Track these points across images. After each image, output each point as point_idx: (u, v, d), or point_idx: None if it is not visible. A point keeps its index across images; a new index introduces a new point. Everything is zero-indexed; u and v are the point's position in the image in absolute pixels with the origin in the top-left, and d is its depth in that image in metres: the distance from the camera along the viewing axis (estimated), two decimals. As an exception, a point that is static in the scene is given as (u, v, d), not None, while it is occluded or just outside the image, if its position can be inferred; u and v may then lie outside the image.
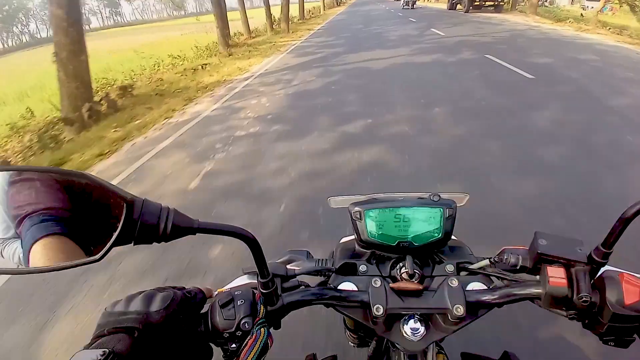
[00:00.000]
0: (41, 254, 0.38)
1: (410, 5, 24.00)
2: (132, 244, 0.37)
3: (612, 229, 0.41)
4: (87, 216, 0.41)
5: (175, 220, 0.38)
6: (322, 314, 1.54)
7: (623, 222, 0.40)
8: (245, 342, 0.43)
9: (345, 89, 5.68)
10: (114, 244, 0.35)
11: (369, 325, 0.50)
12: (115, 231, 0.35)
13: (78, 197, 0.40)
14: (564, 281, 0.42)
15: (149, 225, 0.37)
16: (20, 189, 0.40)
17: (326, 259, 0.58)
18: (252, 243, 0.43)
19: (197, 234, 0.39)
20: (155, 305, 0.43)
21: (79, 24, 5.60)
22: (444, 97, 4.90)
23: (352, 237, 0.59)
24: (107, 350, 0.36)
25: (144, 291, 0.45)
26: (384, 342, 0.60)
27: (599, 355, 1.37)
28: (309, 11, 27.82)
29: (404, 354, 0.52)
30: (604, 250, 0.42)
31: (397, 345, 0.50)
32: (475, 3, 17.65)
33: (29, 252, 0.38)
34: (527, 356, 0.57)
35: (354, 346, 0.77)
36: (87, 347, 0.38)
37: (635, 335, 0.43)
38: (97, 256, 0.36)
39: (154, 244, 0.38)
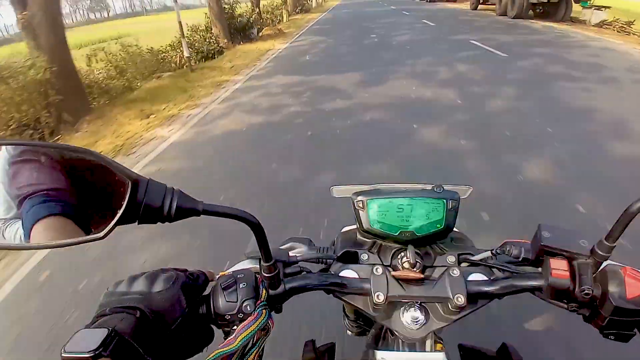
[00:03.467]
0: (41, 234, 0.38)
1: None
2: (136, 223, 0.37)
3: (617, 223, 0.41)
4: (89, 195, 0.40)
5: (179, 201, 0.38)
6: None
7: (628, 217, 0.40)
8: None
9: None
10: (118, 223, 0.35)
11: (369, 312, 0.50)
12: (119, 210, 0.35)
13: (81, 174, 0.40)
14: (567, 273, 0.42)
15: (153, 206, 0.36)
16: (22, 169, 0.40)
17: (328, 247, 0.58)
18: (256, 227, 0.42)
19: (201, 215, 0.39)
20: (158, 286, 0.43)
21: None
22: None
23: (354, 226, 0.59)
24: (108, 329, 0.36)
25: (146, 272, 0.45)
26: (383, 330, 0.60)
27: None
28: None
29: (402, 342, 0.52)
30: (608, 244, 0.42)
31: (396, 333, 0.50)
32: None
33: (30, 232, 0.38)
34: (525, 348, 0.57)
35: (352, 334, 0.78)
36: (89, 326, 0.38)
37: (635, 330, 0.43)
38: (101, 234, 0.36)
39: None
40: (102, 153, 0.37)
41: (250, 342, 0.44)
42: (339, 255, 0.55)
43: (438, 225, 0.53)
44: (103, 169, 0.36)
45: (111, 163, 0.36)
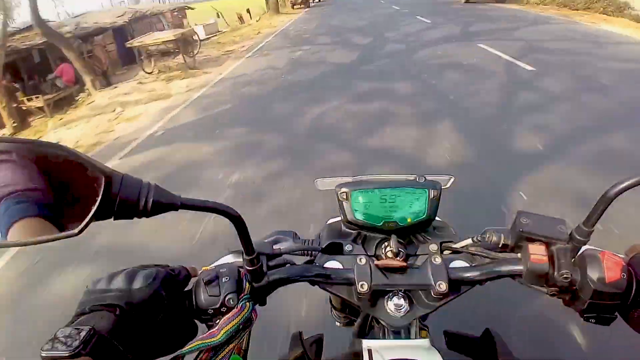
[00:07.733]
0: (17, 235, 0.37)
1: None
2: (112, 219, 0.36)
3: (594, 208, 0.42)
4: (64, 191, 0.39)
5: (156, 196, 0.37)
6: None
7: (604, 202, 0.41)
8: None
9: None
10: (92, 220, 0.34)
11: (353, 302, 0.50)
12: (93, 206, 0.34)
13: (56, 171, 0.39)
14: (545, 258, 0.43)
15: (128, 201, 0.36)
16: None
17: (312, 240, 0.58)
18: (237, 220, 0.42)
19: (179, 210, 0.38)
20: (138, 283, 0.42)
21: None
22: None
23: (339, 218, 0.59)
24: (88, 327, 0.35)
25: (126, 269, 0.45)
26: (369, 320, 0.61)
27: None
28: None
29: (388, 330, 0.53)
30: (586, 229, 0.43)
31: (381, 321, 0.50)
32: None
33: (7, 235, 0.37)
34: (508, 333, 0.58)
35: (340, 325, 0.79)
36: (69, 325, 0.38)
37: (616, 313, 0.44)
38: (76, 230, 0.35)
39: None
40: (74, 148, 0.36)
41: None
42: (323, 247, 0.55)
43: (421, 215, 0.53)
44: (78, 164, 0.35)
45: (84, 158, 0.35)
